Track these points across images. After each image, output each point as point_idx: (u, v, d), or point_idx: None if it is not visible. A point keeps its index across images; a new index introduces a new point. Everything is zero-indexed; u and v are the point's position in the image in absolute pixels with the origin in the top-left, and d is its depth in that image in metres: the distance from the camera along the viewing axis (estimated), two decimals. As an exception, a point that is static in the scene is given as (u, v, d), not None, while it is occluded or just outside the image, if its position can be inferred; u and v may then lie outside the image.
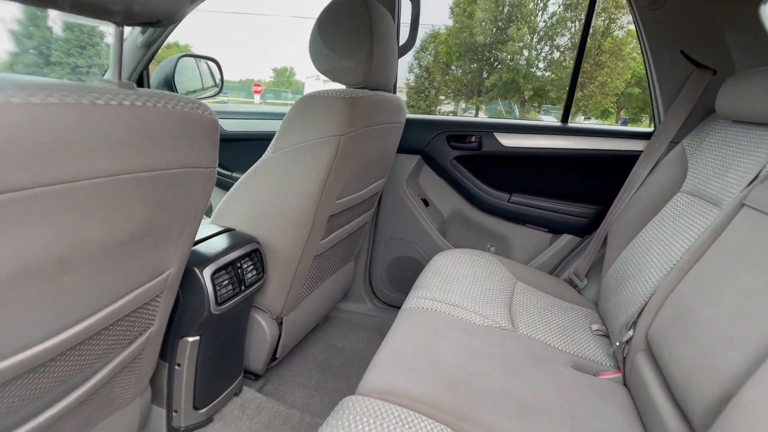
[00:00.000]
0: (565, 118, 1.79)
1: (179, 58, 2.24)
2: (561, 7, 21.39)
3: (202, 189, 0.78)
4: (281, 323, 1.36)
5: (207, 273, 1.00)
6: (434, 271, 1.40)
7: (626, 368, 1.09)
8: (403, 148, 1.75)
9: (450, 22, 22.92)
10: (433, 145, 1.81)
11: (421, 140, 1.81)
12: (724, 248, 0.93)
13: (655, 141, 1.53)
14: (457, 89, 23.13)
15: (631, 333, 1.09)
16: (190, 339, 1.04)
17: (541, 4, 21.78)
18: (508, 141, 1.73)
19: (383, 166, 1.54)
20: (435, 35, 22.61)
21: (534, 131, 1.73)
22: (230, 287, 1.07)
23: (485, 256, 1.56)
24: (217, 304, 1.02)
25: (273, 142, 1.16)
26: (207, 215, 2.28)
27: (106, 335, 0.75)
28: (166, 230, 0.75)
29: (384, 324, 1.92)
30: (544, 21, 22.03)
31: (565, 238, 1.74)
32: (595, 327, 1.31)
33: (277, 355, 1.39)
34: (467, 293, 1.28)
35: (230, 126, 2.07)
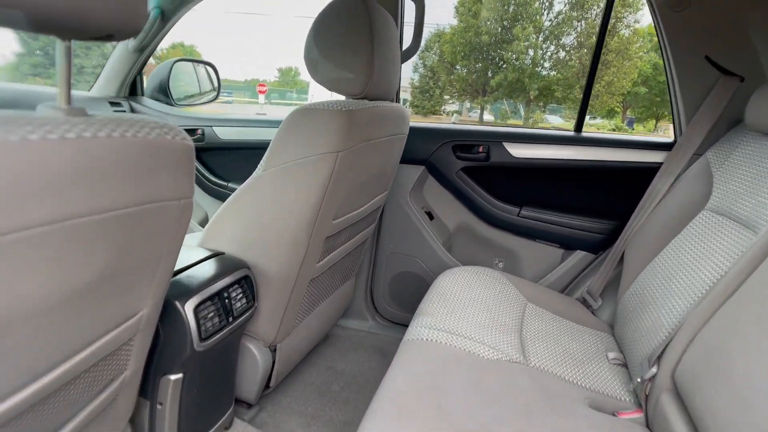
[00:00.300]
0: (578, 127, 1.69)
1: (174, 62, 2.15)
2: (567, 6, 21.23)
3: (177, 222, 0.69)
4: (275, 350, 1.27)
5: (189, 307, 0.91)
6: (439, 294, 1.30)
7: (649, 408, 0.99)
8: (407, 159, 1.65)
9: (455, 22, 22.83)
10: (438, 156, 1.71)
11: (426, 150, 1.72)
12: (766, 281, 0.83)
13: (676, 152, 1.43)
14: (462, 89, 23.02)
15: (654, 370, 0.99)
16: (173, 377, 0.95)
17: (547, 3, 21.64)
18: (518, 151, 1.63)
19: (385, 180, 1.45)
20: (440, 35, 22.53)
21: (546, 141, 1.63)
22: (216, 320, 0.98)
23: (493, 275, 1.46)
24: (201, 339, 0.93)
25: (264, 159, 1.07)
26: (202, 225, 2.20)
27: (68, 390, 0.66)
28: (136, 271, 0.66)
29: (386, 343, 1.83)
30: (550, 20, 21.89)
31: (578, 255, 1.64)
32: (611, 355, 1.21)
33: (270, 384, 1.30)
34: (475, 320, 1.18)
35: (226, 134, 1.98)
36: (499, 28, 22.27)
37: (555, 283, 1.66)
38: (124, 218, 0.58)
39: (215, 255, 1.10)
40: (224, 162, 2.09)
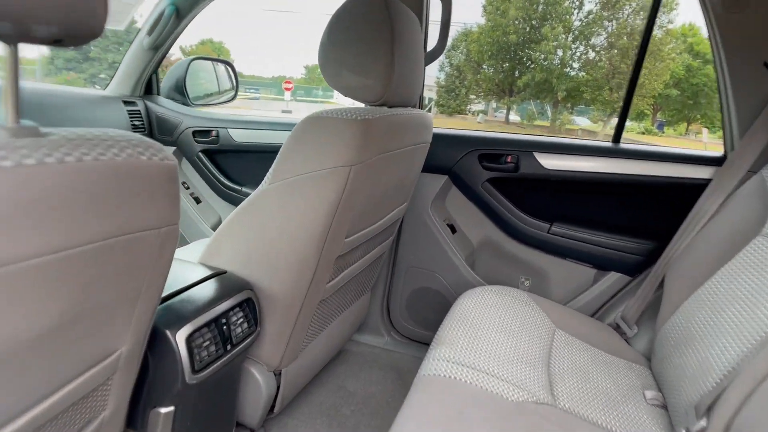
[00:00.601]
0: (617, 137, 1.56)
1: (191, 61, 2.08)
2: (598, 5, 20.77)
3: (158, 253, 0.60)
4: (280, 374, 1.18)
5: (181, 336, 0.82)
6: (460, 318, 1.20)
7: None
8: (429, 167, 1.54)
9: (482, 21, 22.54)
10: (463, 165, 1.60)
11: (450, 158, 1.61)
12: None
13: (727, 169, 1.29)
14: (489, 89, 22.71)
15: (703, 423, 0.87)
16: (163, 410, 0.86)
17: (577, 3, 21.20)
18: (550, 162, 1.51)
19: (405, 191, 1.34)
20: (467, 34, 22.26)
21: (580, 152, 1.50)
22: (213, 348, 0.89)
23: (519, 297, 1.35)
24: (194, 371, 0.84)
25: (271, 171, 0.98)
26: (214, 229, 2.13)
27: None
28: (108, 309, 0.58)
29: (402, 361, 1.72)
30: (580, 20, 21.45)
31: (612, 277, 1.51)
32: (649, 395, 1.09)
33: (275, 410, 1.21)
34: (499, 351, 1.07)
35: (241, 137, 1.90)
36: (528, 28, 21.91)
37: (586, 306, 1.53)
38: (89, 255, 0.49)
39: (216, 274, 1.01)
40: (238, 165, 2.01)
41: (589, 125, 22.39)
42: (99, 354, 0.61)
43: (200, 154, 1.99)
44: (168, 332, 0.81)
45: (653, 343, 1.24)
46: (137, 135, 0.54)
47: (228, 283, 0.99)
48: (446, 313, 1.68)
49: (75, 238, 0.46)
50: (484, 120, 23.10)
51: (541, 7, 21.59)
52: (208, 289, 0.95)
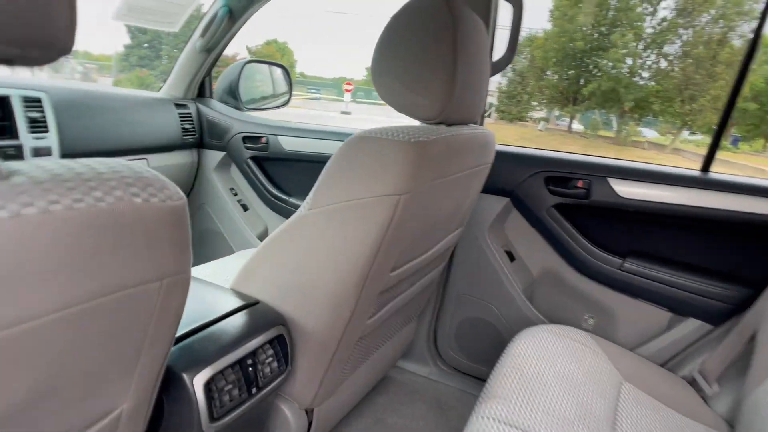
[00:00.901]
0: (707, 165, 1.36)
1: (245, 63, 2.03)
2: (673, 12, 19.75)
3: (161, 305, 0.50)
4: (312, 411, 1.08)
5: (199, 381, 0.73)
6: (515, 365, 1.06)
7: None
8: (489, 188, 1.40)
9: (548, 26, 21.93)
10: (526, 187, 1.45)
11: (512, 179, 1.46)
12: None
13: None
14: (552, 96, 22.03)
15: None
16: (177, 458, 0.77)
17: (651, 9, 20.25)
18: (626, 189, 1.34)
19: (460, 216, 1.21)
20: (532, 39, 21.70)
21: (663, 180, 1.32)
22: (236, 392, 0.79)
23: (583, 340, 1.19)
24: (212, 419, 0.75)
25: (311, 195, 0.88)
26: (261, 239, 2.07)
27: None
28: (99, 373, 0.48)
29: (447, 394, 1.59)
30: (653, 27, 20.46)
31: (691, 324, 1.32)
32: None
33: None
34: (558, 409, 0.93)
35: (290, 145, 1.82)
36: (596, 34, 21.14)
37: (657, 354, 1.35)
38: (61, 322, 0.40)
39: (247, 305, 0.92)
40: (287, 174, 1.94)
41: (656, 138, 21.31)
42: (91, 416, 0.52)
43: (249, 161, 1.93)
44: (185, 376, 0.72)
45: (739, 408, 1.05)
46: (137, 168, 0.45)
47: (259, 317, 0.90)
48: (498, 347, 1.53)
49: (41, 306, 0.37)
50: (545, 128, 22.44)
51: (611, 13, 20.78)
52: (235, 324, 0.85)
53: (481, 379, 1.60)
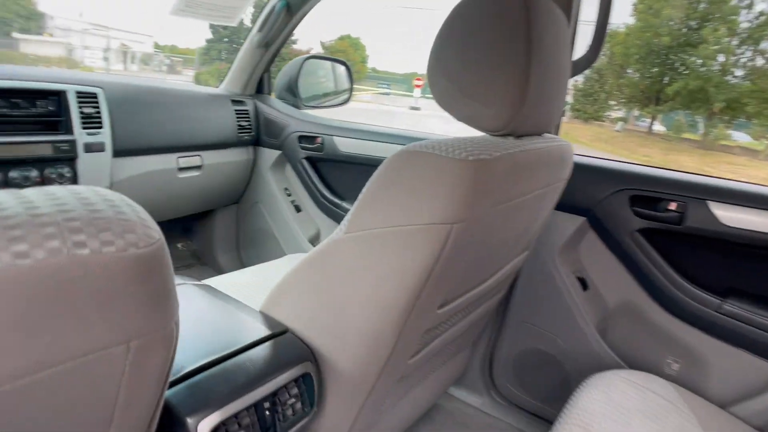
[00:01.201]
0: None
1: (304, 60, 1.94)
2: (775, 5, 18.15)
3: (130, 369, 0.39)
4: None
5: (205, 427, 0.63)
6: (581, 423, 0.89)
7: None
8: (563, 205, 1.22)
9: (631, 21, 20.73)
10: (607, 206, 1.26)
11: (591, 196, 1.27)
12: None
13: None
14: (632, 95, 20.83)
15: None
16: None
17: (747, 2, 18.67)
18: (731, 215, 1.12)
19: (527, 239, 1.05)
20: (612, 35, 20.60)
21: None
22: (251, 440, 0.69)
23: (666, 393, 1.01)
24: None
25: (348, 216, 0.75)
26: (312, 243, 1.99)
27: None
28: None
29: (499, 431, 1.43)
30: (749, 21, 18.85)
31: None
32: None
33: None
34: None
35: (346, 146, 1.72)
36: (684, 29, 19.77)
37: (755, 415, 1.12)
38: (5, 396, 0.30)
39: (274, 336, 0.81)
40: (342, 177, 1.83)
41: (749, 142, 19.68)
42: None
43: (304, 161, 1.84)
44: (189, 421, 0.62)
45: None
46: (100, 203, 0.34)
47: (284, 350, 0.79)
48: (561, 386, 1.35)
49: None
50: (622, 128, 21.29)
51: (702, 5, 19.35)
52: (257, 359, 0.75)
53: (539, 417, 1.43)
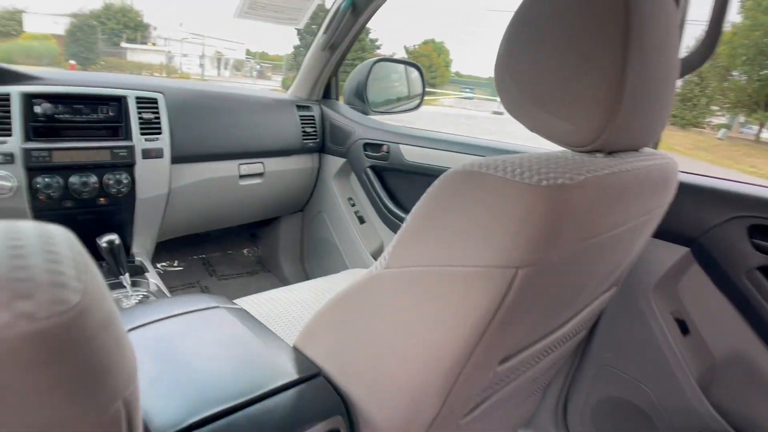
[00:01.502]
0: None
1: (374, 63, 1.85)
2: None
3: None
4: None
5: None
6: None
7: None
8: (661, 232, 1.02)
9: (737, 18, 19.02)
10: (718, 236, 1.04)
11: (697, 223, 1.06)
12: None
13: None
14: (737, 99, 19.08)
15: None
16: None
17: None
18: None
19: (616, 276, 0.88)
20: (716, 34, 19.04)
21: None
22: None
23: None
24: None
25: (390, 247, 0.63)
26: (374, 256, 1.88)
27: None
28: None
29: None
30: None
31: None
32: None
33: None
34: None
35: (411, 155, 1.60)
36: (803, 27, 17.91)
37: None
38: None
39: (302, 380, 0.70)
40: (407, 188, 1.71)
41: None
42: None
43: (368, 170, 1.74)
44: None
45: None
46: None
47: (312, 399, 0.68)
48: None
49: None
50: (725, 136, 19.55)
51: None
52: (278, 410, 0.64)
53: None
